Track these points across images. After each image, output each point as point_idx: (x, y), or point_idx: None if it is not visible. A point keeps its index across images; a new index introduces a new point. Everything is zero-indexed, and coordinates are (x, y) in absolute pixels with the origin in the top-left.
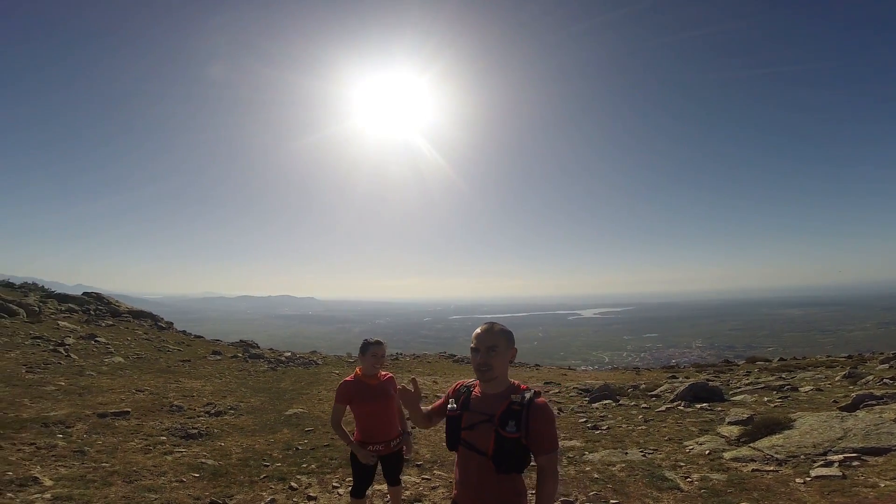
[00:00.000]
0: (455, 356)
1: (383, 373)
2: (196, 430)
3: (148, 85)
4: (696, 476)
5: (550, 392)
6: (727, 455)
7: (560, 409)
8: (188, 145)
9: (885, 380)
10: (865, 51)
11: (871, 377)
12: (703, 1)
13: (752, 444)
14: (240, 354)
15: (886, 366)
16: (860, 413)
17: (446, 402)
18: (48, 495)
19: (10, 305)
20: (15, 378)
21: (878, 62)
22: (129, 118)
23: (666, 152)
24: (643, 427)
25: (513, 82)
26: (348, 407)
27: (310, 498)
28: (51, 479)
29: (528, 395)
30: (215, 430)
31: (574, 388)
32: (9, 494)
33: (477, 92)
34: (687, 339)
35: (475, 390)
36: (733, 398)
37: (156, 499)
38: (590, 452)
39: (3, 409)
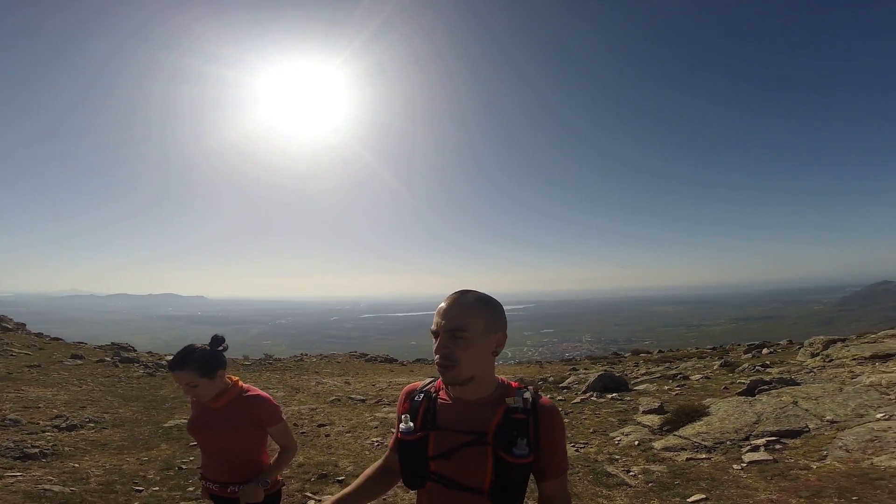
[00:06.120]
0: (367, 355)
1: (249, 389)
2: (38, 449)
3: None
4: (636, 469)
5: None
6: (657, 445)
7: None
8: (61, 133)
9: (756, 367)
10: None
11: (745, 365)
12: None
13: (676, 433)
14: (108, 358)
15: (750, 355)
16: (762, 398)
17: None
18: None
19: None
20: None
21: None
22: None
23: (575, 149)
24: (566, 420)
25: (437, 72)
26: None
27: None
28: None
29: (526, 395)
30: (67, 448)
31: None
32: None
33: (391, 85)
34: (578, 333)
35: (441, 394)
36: (637, 388)
37: None
38: None
39: None
